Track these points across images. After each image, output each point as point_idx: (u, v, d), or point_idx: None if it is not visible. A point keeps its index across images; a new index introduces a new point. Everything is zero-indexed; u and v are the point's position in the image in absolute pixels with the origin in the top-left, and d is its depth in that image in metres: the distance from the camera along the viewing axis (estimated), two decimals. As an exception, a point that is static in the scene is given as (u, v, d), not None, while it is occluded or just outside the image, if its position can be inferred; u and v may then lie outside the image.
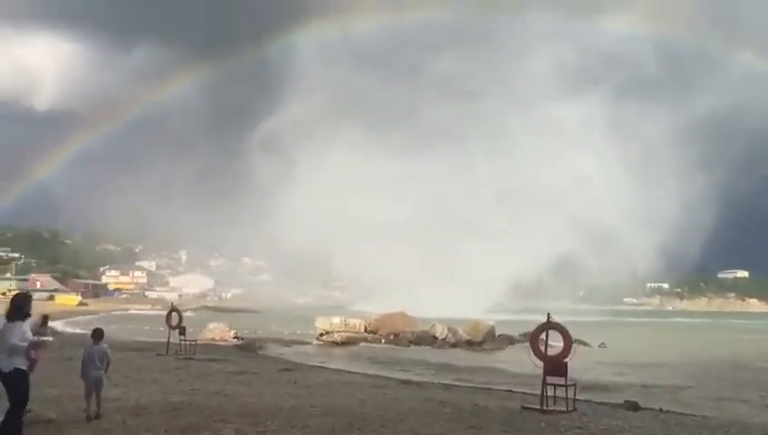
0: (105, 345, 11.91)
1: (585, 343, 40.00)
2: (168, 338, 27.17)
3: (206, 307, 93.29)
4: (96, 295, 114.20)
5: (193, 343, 27.49)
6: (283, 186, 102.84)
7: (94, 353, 11.68)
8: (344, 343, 41.64)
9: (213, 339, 37.96)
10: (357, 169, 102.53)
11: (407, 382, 20.85)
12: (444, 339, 42.67)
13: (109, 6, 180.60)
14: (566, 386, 14.55)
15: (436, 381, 22.24)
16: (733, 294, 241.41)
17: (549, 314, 15.22)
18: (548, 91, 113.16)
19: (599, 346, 43.11)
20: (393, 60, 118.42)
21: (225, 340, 38.69)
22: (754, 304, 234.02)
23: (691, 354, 39.95)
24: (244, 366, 23.45)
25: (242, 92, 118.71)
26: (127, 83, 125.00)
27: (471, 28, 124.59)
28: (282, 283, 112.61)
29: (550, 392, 14.59)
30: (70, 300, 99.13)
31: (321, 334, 43.52)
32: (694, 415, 16.68)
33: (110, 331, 49.70)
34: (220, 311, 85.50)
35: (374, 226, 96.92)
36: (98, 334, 12.03)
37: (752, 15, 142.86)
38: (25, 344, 8.55)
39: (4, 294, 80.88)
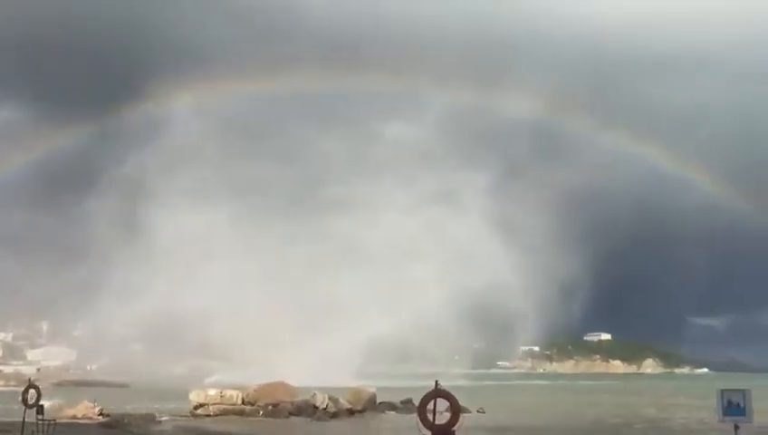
0: None
1: (465, 410, 40.19)
2: (24, 418, 24.69)
3: (69, 381, 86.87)
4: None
5: (52, 422, 25.15)
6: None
7: None
8: (219, 416, 39.76)
9: (75, 417, 35.04)
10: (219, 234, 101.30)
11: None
12: (324, 408, 41.60)
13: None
14: (455, 456, 14.28)
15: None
16: (598, 356, 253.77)
17: (437, 382, 14.99)
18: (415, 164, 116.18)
19: (477, 411, 43.49)
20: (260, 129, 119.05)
21: (90, 417, 35.82)
22: (618, 366, 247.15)
23: (572, 417, 41.13)
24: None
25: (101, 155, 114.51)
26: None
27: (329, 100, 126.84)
28: (154, 352, 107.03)
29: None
30: None
31: (196, 407, 41.35)
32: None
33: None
34: (85, 385, 79.76)
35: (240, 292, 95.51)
36: None
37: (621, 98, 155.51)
38: None
39: None
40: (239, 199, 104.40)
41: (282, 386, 44.17)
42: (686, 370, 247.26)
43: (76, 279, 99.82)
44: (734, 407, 15.03)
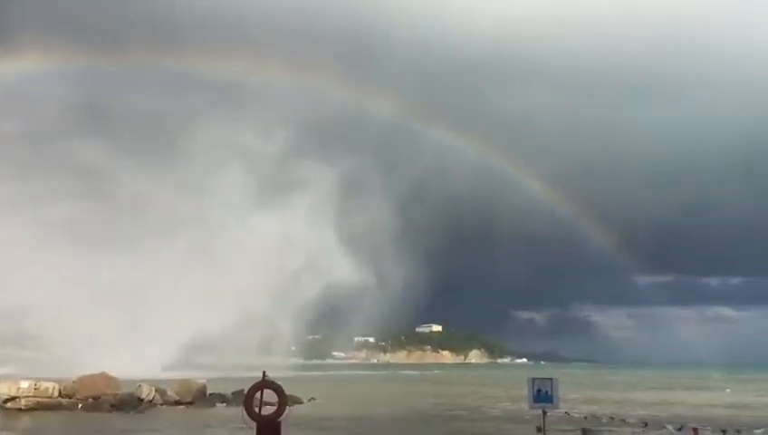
0: None
1: (298, 400, 40.34)
2: None
3: None
4: None
5: None
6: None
7: None
8: (33, 410, 37.04)
9: None
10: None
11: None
12: (151, 401, 39.99)
13: None
14: (279, 447, 14.26)
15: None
16: (429, 347, 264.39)
17: (264, 373, 14.93)
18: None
19: (308, 401, 43.81)
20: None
21: None
22: (447, 356, 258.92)
23: (399, 406, 42.42)
24: None
25: None
26: None
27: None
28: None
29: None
30: None
31: (6, 401, 38.26)
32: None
33: None
34: None
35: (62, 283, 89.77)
36: None
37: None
38: None
39: None
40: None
41: (104, 378, 41.80)
42: (507, 360, 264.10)
43: None
44: (542, 394, 16.20)
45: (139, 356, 75.26)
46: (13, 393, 38.38)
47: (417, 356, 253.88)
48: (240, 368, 76.28)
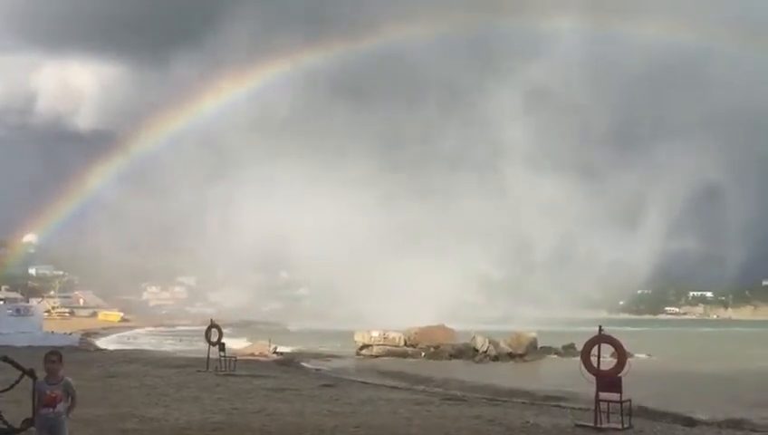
0: (67, 378, 8.18)
1: (630, 355, 38.91)
2: (208, 354, 26.97)
3: (244, 322, 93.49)
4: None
5: (233, 358, 27.23)
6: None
7: (45, 391, 8.03)
8: (383, 356, 41.24)
9: (252, 354, 37.76)
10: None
11: (451, 398, 20.23)
12: (485, 352, 41.91)
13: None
14: (621, 402, 13.87)
15: (480, 396, 21.57)
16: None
17: (600, 327, 14.56)
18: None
19: (647, 356, 42.05)
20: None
21: (265, 355, 38.48)
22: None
23: (743, 365, 38.59)
24: (284, 382, 23.08)
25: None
26: (158, 104, 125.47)
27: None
28: (319, 297, 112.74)
29: (603, 408, 13.93)
30: (112, 316, 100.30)
31: (361, 348, 43.16)
32: (755, 431, 15.87)
33: (151, 345, 50.40)
34: (259, 325, 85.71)
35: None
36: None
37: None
38: None
39: (48, 312, 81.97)
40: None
41: (442, 329, 44.97)
42: None
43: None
44: None
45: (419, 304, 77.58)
46: (366, 342, 43.15)
47: (764, 312, 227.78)
48: (563, 322, 76.22)
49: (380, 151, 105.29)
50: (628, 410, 13.98)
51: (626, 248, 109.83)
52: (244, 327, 76.46)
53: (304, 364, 35.37)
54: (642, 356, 41.35)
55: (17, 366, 10.58)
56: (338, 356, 41.66)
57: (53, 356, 8.12)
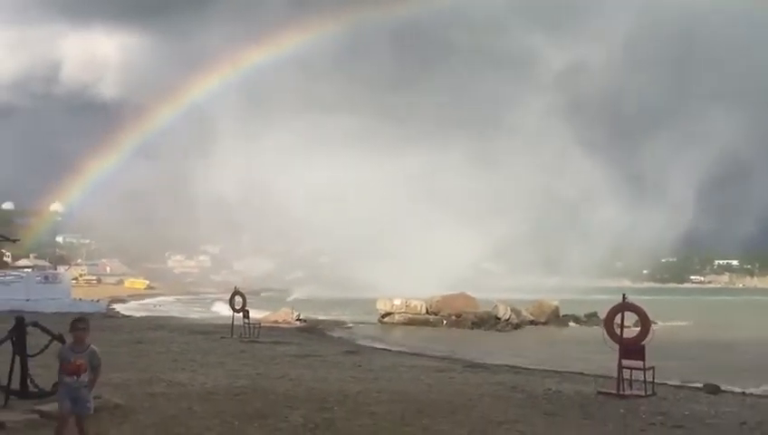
0: (93, 347, 8.02)
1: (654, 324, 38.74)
2: (233, 321, 27.32)
3: (268, 289, 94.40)
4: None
5: (257, 325, 27.56)
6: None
7: (70, 358, 7.89)
8: (405, 324, 41.50)
9: (276, 322, 38.18)
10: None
11: (474, 366, 20.34)
12: (507, 320, 41.99)
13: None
14: (644, 370, 13.85)
15: (502, 364, 21.65)
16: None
17: (624, 295, 14.52)
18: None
19: (667, 324, 41.78)
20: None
21: (289, 322, 38.89)
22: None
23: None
24: (308, 349, 23.35)
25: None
26: (184, 72, 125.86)
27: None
28: (341, 264, 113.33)
29: (625, 375, 13.94)
30: (138, 283, 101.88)
31: (383, 316, 43.44)
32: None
33: (177, 312, 51.15)
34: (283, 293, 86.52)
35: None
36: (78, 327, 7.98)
37: None
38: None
39: (76, 279, 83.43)
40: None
41: (463, 297, 45.03)
42: None
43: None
44: None
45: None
46: (388, 309, 43.40)
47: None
48: (590, 290, 75.93)
49: (406, 121, 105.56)
50: (652, 378, 13.98)
51: (651, 216, 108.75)
52: (254, 296, 76.72)
53: (328, 332, 35.74)
54: (666, 324, 41.12)
55: (47, 331, 10.83)
56: (360, 323, 42.05)
57: (81, 323, 7.96)
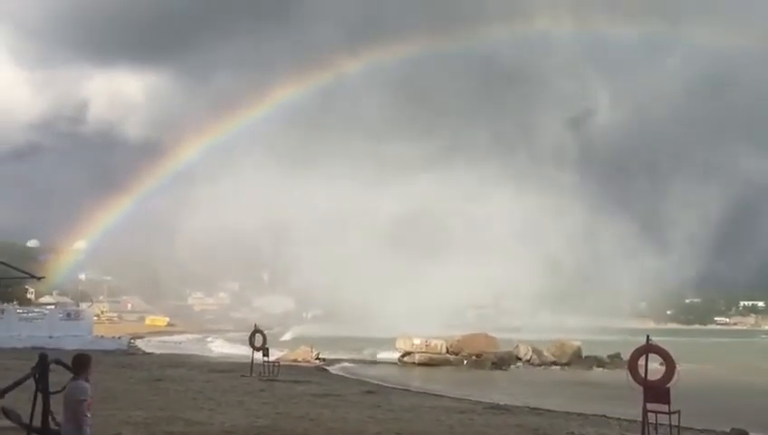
0: (82, 382, 7.84)
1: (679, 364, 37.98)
2: (252, 359, 27.27)
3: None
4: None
5: (276, 364, 27.48)
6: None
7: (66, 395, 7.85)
8: (425, 365, 41.03)
9: (296, 360, 38.03)
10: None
11: (495, 407, 20.06)
12: (528, 360, 41.44)
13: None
14: (669, 413, 13.57)
15: (524, 405, 21.33)
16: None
17: (648, 337, 14.30)
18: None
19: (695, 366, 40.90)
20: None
21: (308, 361, 38.71)
22: None
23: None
24: (327, 388, 23.20)
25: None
26: (206, 111, 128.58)
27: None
28: (355, 303, 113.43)
29: (650, 419, 13.66)
30: (159, 321, 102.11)
31: (403, 355, 43.04)
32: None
33: (197, 349, 51.09)
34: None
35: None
36: (79, 364, 7.89)
37: None
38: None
39: (98, 316, 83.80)
40: None
41: (484, 337, 44.55)
42: None
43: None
44: None
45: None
46: (408, 348, 42.99)
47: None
48: (609, 331, 74.75)
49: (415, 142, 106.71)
50: (678, 422, 13.69)
51: (675, 256, 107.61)
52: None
53: (346, 372, 35.48)
54: (691, 366, 40.28)
55: (70, 369, 10.87)
56: (380, 362, 41.71)
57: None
